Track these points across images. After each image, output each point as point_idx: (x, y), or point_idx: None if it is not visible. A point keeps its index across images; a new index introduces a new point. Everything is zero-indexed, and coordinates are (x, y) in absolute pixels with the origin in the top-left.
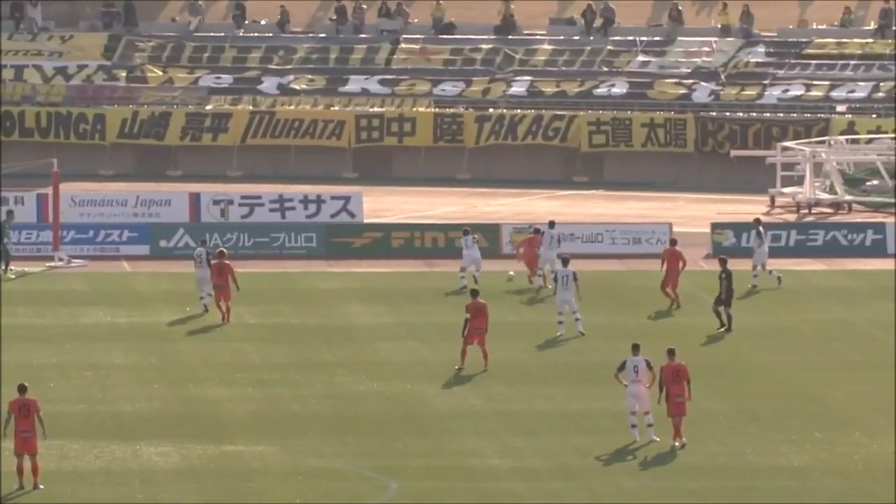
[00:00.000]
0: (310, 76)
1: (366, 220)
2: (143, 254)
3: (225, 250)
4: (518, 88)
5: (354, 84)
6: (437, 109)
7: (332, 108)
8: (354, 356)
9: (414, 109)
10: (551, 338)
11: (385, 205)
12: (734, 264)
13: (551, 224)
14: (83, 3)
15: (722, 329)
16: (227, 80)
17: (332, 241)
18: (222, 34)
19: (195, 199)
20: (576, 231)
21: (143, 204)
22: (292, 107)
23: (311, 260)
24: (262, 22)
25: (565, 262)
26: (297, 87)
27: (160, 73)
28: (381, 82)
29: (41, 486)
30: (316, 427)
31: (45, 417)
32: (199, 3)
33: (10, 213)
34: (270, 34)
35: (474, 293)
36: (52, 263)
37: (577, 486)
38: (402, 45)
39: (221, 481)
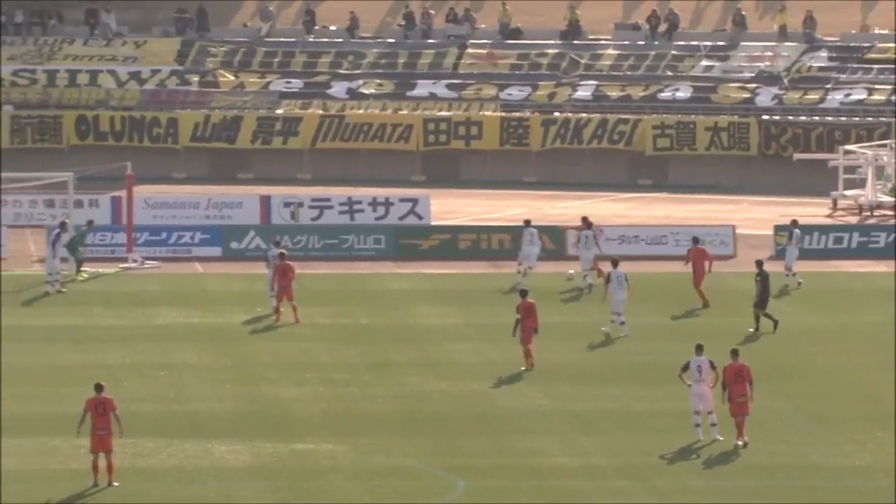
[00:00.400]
0: (378, 81)
1: (433, 223)
2: (214, 255)
3: (285, 251)
4: (583, 92)
5: (422, 88)
6: (503, 113)
7: (400, 112)
8: (423, 356)
9: (481, 113)
10: (614, 338)
11: (452, 207)
12: (798, 266)
13: (587, 224)
14: (157, 9)
15: (752, 330)
16: (297, 84)
17: (400, 243)
18: (293, 39)
19: (266, 201)
20: (640, 233)
21: (215, 206)
22: (361, 111)
23: (379, 261)
24: (332, 27)
25: (615, 263)
26: (366, 91)
27: (232, 77)
28: (449, 86)
29: (115, 484)
30: (385, 426)
31: (121, 416)
32: (271, 8)
33: (90, 221)
34: (340, 39)
35: (523, 293)
36: (126, 265)
37: (643, 484)
38: (470, 50)
39: (292, 479)
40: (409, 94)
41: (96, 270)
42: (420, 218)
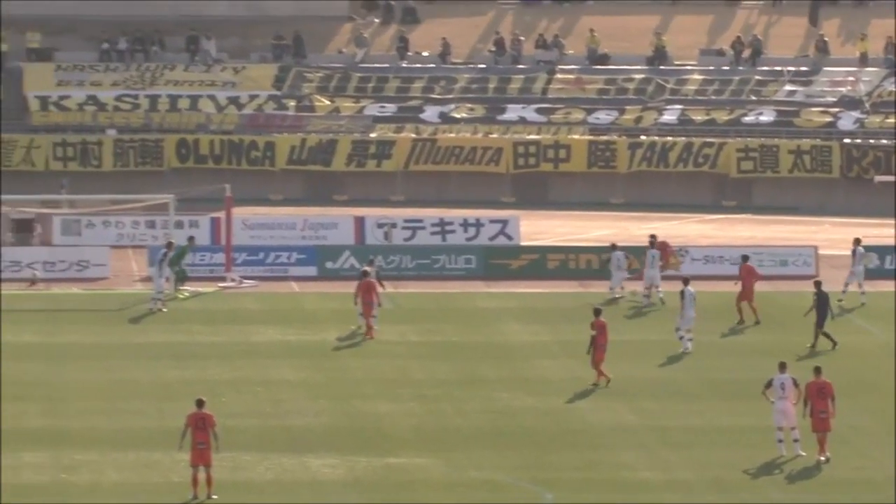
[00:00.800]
0: (470, 105)
1: (523, 243)
2: (310, 275)
3: (369, 270)
4: (669, 116)
5: (512, 112)
6: (591, 137)
7: (490, 136)
8: (513, 373)
9: (569, 137)
10: (697, 354)
11: (541, 228)
12: (878, 286)
13: (652, 242)
14: (255, 36)
15: (810, 347)
16: (391, 108)
17: (490, 263)
18: (387, 65)
19: (360, 222)
20: (725, 253)
21: (311, 227)
22: (453, 134)
23: (470, 281)
24: (425, 53)
25: (686, 281)
26: (457, 115)
27: (328, 102)
28: (538, 111)
29: (214, 497)
30: (476, 441)
31: (220, 431)
32: (365, 35)
33: (191, 238)
34: (432, 65)
35: (597, 312)
36: (225, 284)
37: (728, 498)
38: (558, 76)
39: (385, 492)
40: (499, 118)
41: (196, 289)
42: (510, 238)
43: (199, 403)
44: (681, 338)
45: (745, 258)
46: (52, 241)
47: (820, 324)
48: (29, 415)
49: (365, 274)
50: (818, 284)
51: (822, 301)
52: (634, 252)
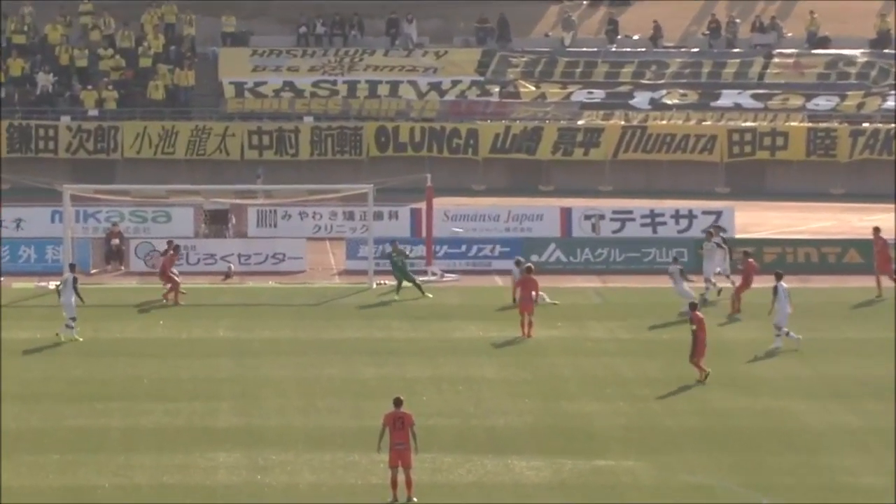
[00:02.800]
0: (682, 91)
1: (737, 235)
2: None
3: (532, 266)
4: (893, 102)
5: (727, 98)
6: (810, 124)
7: (704, 123)
8: (725, 371)
9: (787, 124)
10: (784, 349)
11: (757, 220)
12: None
13: (714, 231)
14: (458, 19)
15: None
16: (599, 94)
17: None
18: (595, 49)
19: (566, 213)
20: None
21: (515, 219)
22: (664, 121)
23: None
24: (635, 37)
25: (779, 276)
26: (669, 101)
27: (533, 88)
28: (754, 97)
29: (414, 500)
30: (687, 442)
31: (419, 431)
32: (573, 17)
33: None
34: (643, 49)
35: (693, 306)
36: (426, 278)
37: None
38: (776, 60)
39: (592, 496)
40: (713, 104)
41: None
42: (724, 231)
43: (397, 402)
44: (776, 335)
45: (747, 254)
46: (246, 233)
47: None
48: (221, 413)
49: (528, 270)
50: None
51: None
52: (857, 246)
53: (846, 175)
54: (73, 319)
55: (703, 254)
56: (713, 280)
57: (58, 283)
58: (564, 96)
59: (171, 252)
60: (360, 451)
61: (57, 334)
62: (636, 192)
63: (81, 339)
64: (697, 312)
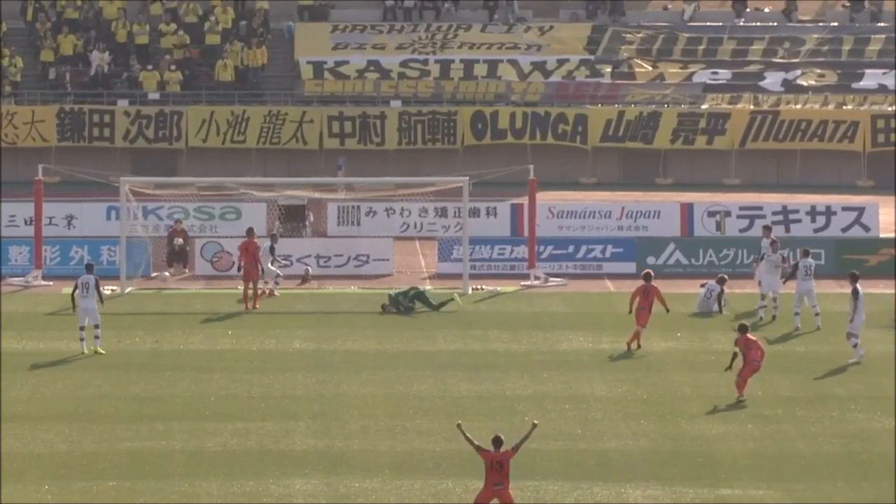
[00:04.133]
0: (819, 71)
1: (882, 235)
2: (628, 272)
3: (651, 272)
4: None
5: (870, 79)
6: None
7: (844, 108)
8: (868, 389)
9: None
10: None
11: None
12: None
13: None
14: None
15: None
16: (724, 75)
17: (843, 258)
18: (720, 24)
19: (687, 210)
20: None
21: (629, 216)
22: (799, 105)
23: (819, 279)
24: (766, 10)
25: (855, 278)
26: (804, 83)
27: (649, 68)
28: None
29: None
30: (824, 469)
31: (520, 455)
32: None
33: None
34: (774, 23)
35: (743, 328)
36: (528, 282)
37: None
38: None
39: None
40: (854, 85)
41: (494, 288)
42: (866, 229)
43: (497, 442)
44: (853, 346)
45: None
46: (326, 232)
47: None
48: (299, 434)
49: (647, 277)
50: None
51: None
52: None
53: None
54: (98, 327)
55: (764, 265)
56: (774, 296)
57: (74, 287)
58: (685, 77)
59: (251, 239)
60: (453, 478)
61: (95, 350)
62: (766, 186)
63: (104, 352)
64: (749, 335)
